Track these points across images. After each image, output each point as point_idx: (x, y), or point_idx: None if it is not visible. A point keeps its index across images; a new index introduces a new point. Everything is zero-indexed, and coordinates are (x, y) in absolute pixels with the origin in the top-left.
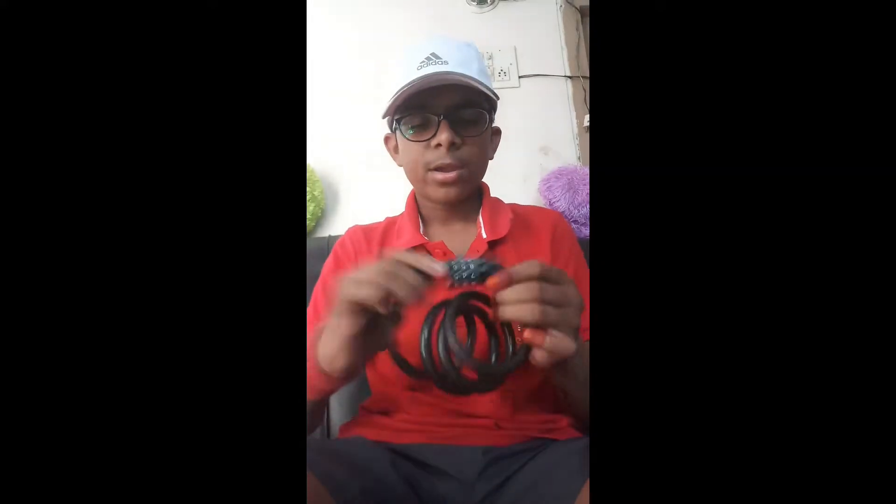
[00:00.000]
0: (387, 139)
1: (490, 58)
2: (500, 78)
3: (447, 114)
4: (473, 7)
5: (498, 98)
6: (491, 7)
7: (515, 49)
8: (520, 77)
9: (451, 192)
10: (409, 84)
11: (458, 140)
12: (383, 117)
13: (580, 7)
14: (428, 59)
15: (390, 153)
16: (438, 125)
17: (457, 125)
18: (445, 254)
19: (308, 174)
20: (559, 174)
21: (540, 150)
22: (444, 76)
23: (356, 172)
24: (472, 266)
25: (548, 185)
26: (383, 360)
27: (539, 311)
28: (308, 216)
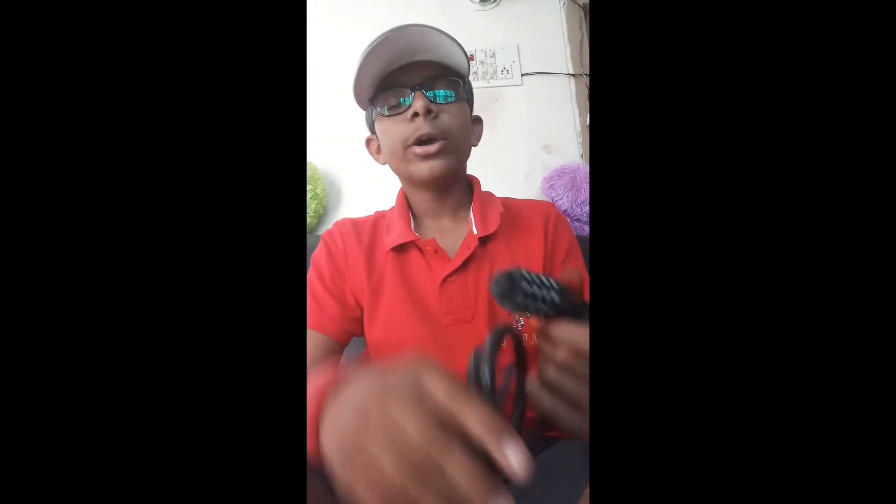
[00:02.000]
0: (368, 141)
1: (493, 55)
2: (502, 76)
3: (421, 85)
4: (476, 5)
5: (470, 58)
6: (494, 5)
7: (518, 47)
8: (522, 75)
9: (436, 167)
10: (370, 47)
11: (434, 108)
12: (357, 101)
13: (583, 4)
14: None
15: (372, 155)
16: (413, 97)
17: (432, 95)
18: (436, 251)
19: (311, 172)
20: (562, 172)
21: (542, 147)
22: (408, 30)
23: (358, 171)
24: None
25: (550, 182)
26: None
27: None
28: (311, 214)
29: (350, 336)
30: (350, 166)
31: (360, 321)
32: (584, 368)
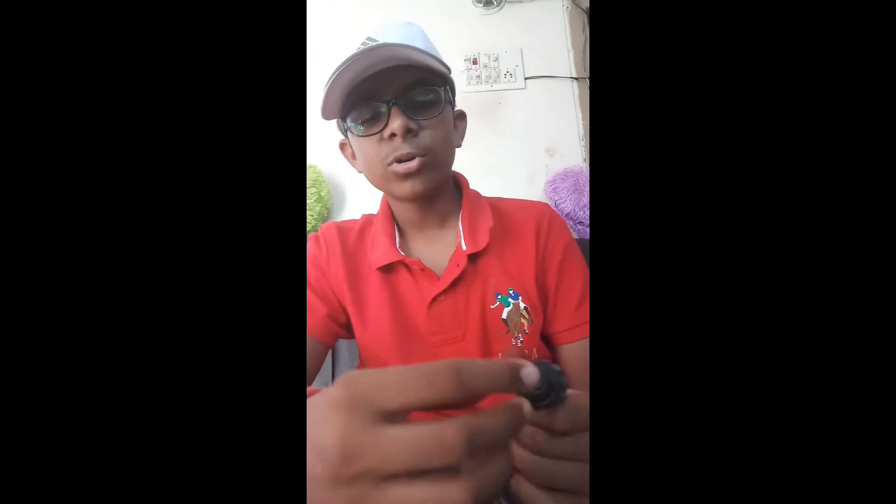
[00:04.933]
0: (342, 146)
1: (496, 59)
2: (505, 79)
3: (397, 99)
4: (480, 9)
5: (450, 71)
6: (497, 8)
7: (521, 50)
8: (526, 78)
9: (417, 185)
10: (338, 69)
11: (413, 126)
12: (325, 119)
13: (586, 8)
14: (363, 43)
15: (349, 161)
16: (389, 113)
17: (410, 109)
18: (423, 270)
19: (315, 175)
20: (565, 175)
21: (546, 151)
22: (379, 51)
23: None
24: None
25: (553, 186)
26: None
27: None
28: (315, 216)
29: (335, 338)
30: (354, 169)
31: (345, 325)
32: (565, 448)
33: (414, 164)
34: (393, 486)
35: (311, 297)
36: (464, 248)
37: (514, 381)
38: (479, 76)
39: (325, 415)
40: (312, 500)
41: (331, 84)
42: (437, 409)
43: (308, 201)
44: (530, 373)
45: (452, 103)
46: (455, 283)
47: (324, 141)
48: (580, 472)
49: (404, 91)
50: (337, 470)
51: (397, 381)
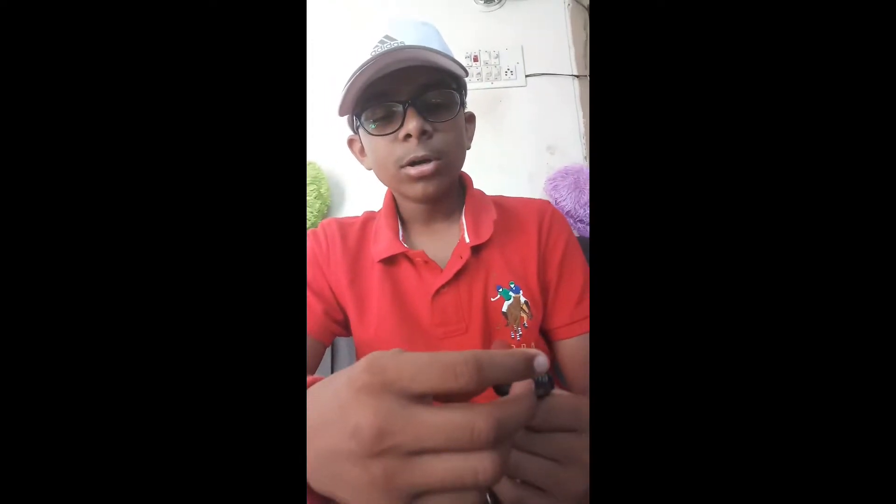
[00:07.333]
0: (350, 142)
1: (497, 56)
2: (506, 77)
3: (413, 100)
4: (480, 5)
5: (467, 73)
6: (498, 6)
7: (522, 48)
8: (526, 76)
9: (430, 187)
10: (360, 69)
11: (428, 128)
12: (341, 115)
13: (587, 6)
14: (381, 42)
15: (356, 157)
16: (405, 114)
17: (425, 111)
18: (427, 262)
19: (315, 172)
20: (565, 173)
21: (546, 149)
22: (400, 52)
23: (361, 170)
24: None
25: (554, 184)
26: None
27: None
28: (315, 213)
29: (332, 336)
30: (354, 166)
31: (342, 323)
32: (535, 444)
33: (429, 167)
34: (422, 457)
35: (308, 294)
36: (467, 240)
37: (528, 371)
38: (479, 74)
39: (354, 396)
40: (344, 472)
41: (350, 82)
42: (454, 397)
43: (308, 198)
44: (542, 362)
45: (463, 102)
46: (458, 275)
47: (324, 138)
48: (546, 469)
49: (420, 92)
50: (370, 445)
51: (422, 368)
